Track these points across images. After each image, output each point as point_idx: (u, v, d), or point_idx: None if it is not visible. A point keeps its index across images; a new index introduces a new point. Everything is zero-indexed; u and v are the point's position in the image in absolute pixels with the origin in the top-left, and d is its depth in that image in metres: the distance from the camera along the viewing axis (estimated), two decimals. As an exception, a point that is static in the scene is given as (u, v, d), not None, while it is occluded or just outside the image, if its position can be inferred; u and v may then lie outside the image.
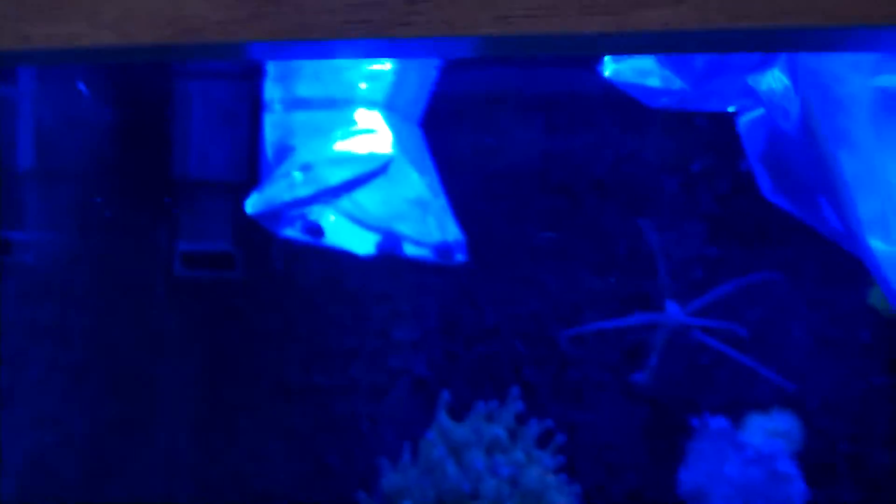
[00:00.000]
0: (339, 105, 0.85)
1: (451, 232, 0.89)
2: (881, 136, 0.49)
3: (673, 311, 1.10)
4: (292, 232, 0.84)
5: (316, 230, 0.82)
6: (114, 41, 0.48)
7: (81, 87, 0.98)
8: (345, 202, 0.84)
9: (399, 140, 0.87)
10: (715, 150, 1.12)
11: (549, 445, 1.09)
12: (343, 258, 0.96)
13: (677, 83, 0.67)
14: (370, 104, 0.87)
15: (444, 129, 1.21)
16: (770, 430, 1.03)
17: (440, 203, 0.90)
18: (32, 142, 0.99)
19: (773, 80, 0.58)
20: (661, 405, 1.16)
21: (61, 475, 1.10)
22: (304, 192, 0.83)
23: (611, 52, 0.65)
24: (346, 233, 0.85)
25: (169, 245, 1.13)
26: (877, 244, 0.45)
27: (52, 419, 1.06)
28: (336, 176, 0.83)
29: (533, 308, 1.21)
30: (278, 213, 0.83)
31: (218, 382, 1.27)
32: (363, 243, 0.85)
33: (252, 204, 0.86)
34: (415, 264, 0.98)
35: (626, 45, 0.44)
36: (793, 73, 0.55)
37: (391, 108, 0.88)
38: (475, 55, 0.43)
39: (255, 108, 0.97)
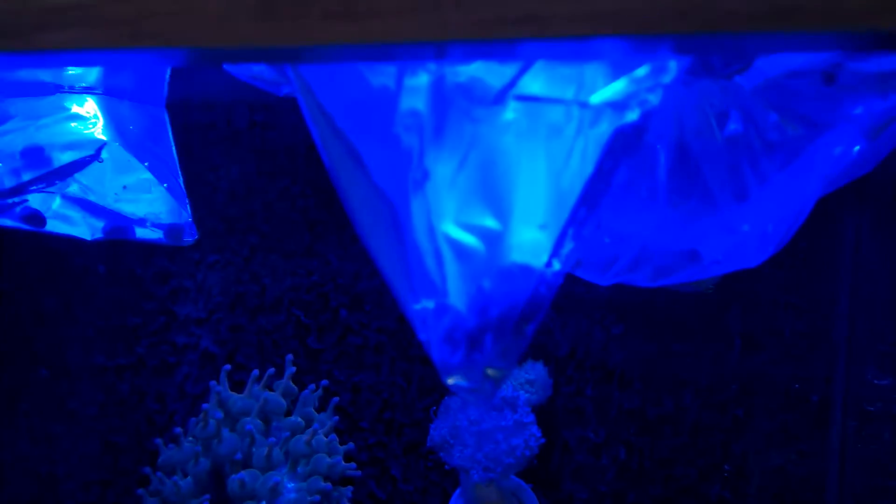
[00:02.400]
0: (50, 90, 0.84)
1: (181, 214, 0.90)
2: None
3: None
4: (9, 221, 0.83)
5: (34, 217, 0.81)
6: None
7: None
8: (72, 187, 0.84)
9: (117, 124, 0.87)
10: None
11: (328, 408, 1.14)
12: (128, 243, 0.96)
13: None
14: (85, 90, 0.86)
15: (205, 113, 1.23)
16: (520, 381, 1.11)
17: (171, 185, 0.91)
18: None
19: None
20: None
21: None
22: (8, 181, 0.81)
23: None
24: (73, 219, 0.85)
25: None
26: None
27: None
28: (43, 164, 0.82)
29: (313, 280, 1.25)
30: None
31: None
32: (91, 229, 0.86)
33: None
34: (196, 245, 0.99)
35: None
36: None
37: (111, 92, 0.88)
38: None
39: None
